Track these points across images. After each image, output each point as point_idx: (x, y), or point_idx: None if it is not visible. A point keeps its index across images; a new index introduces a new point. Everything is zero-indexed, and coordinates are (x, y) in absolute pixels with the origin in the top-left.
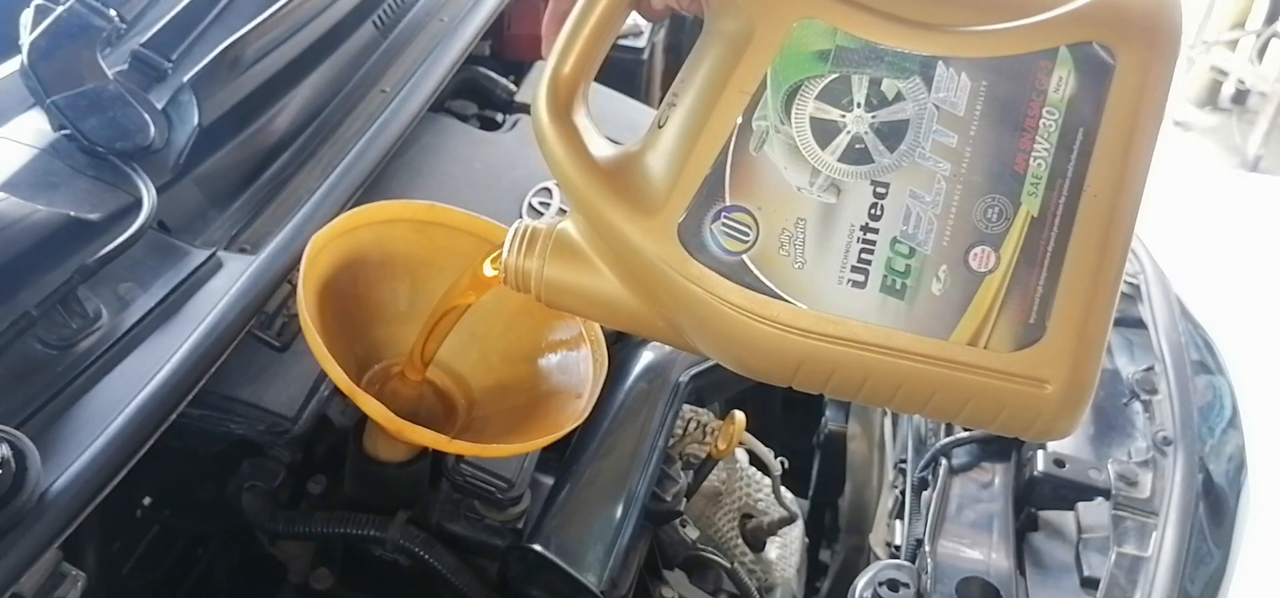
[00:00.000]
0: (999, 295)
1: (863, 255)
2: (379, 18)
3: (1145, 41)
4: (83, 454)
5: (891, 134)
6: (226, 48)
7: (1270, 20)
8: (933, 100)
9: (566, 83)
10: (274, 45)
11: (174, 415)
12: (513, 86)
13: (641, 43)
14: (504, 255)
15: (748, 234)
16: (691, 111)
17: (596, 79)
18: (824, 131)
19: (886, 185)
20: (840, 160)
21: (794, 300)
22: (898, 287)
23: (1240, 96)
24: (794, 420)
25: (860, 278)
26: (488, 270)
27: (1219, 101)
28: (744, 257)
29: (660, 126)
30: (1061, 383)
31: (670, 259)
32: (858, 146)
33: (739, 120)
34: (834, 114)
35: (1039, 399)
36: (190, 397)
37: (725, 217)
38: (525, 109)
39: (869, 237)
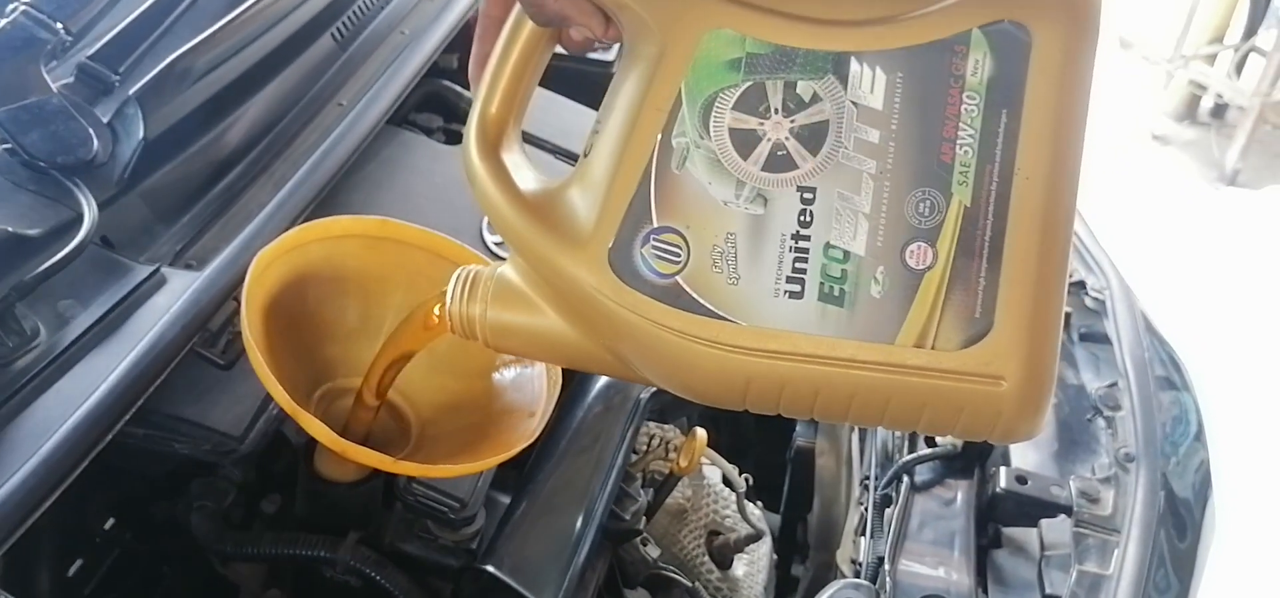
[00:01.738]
0: (940, 292)
1: (797, 264)
2: (338, 30)
3: (1060, 14)
4: (14, 476)
5: (812, 137)
6: (175, 60)
7: (1249, 34)
8: (850, 98)
9: (494, 121)
10: (226, 57)
11: (111, 436)
12: None
13: (611, 56)
14: (447, 303)
15: (679, 255)
16: (612, 136)
17: (565, 94)
18: (744, 142)
19: (813, 190)
20: (763, 169)
21: (732, 318)
22: (836, 293)
23: (1219, 110)
24: (768, 436)
25: (796, 288)
26: (436, 316)
27: (1197, 115)
28: (677, 278)
29: (586, 155)
30: (1017, 377)
31: (604, 288)
32: (780, 153)
33: (659, 139)
34: (752, 122)
35: (996, 397)
36: (129, 416)
37: (654, 239)
38: None
39: (801, 245)
